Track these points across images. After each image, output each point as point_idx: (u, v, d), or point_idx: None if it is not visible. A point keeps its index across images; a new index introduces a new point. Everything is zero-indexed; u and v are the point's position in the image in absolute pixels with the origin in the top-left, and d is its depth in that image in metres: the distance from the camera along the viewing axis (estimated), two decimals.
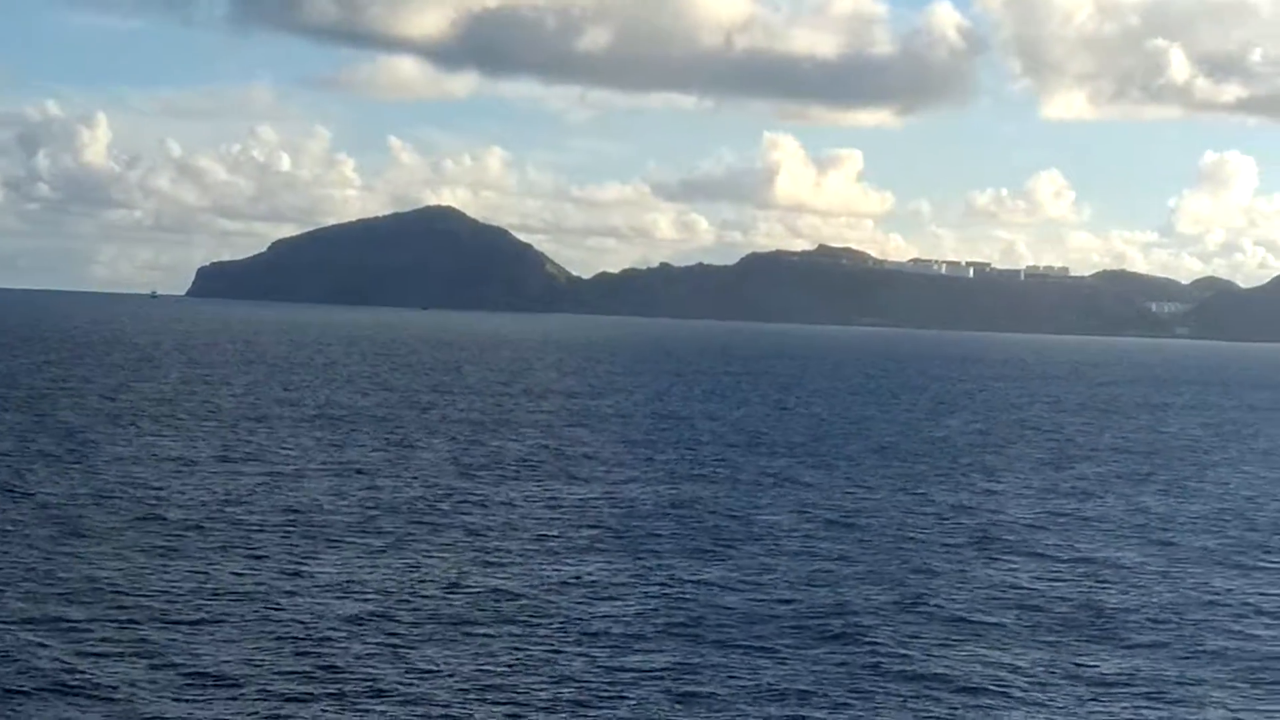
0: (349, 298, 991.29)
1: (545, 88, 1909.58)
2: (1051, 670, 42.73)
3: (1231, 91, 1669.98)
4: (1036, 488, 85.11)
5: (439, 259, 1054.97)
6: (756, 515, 69.35)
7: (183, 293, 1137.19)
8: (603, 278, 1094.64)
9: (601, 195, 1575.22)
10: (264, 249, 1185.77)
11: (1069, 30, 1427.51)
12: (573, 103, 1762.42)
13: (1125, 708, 39.40)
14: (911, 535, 65.30)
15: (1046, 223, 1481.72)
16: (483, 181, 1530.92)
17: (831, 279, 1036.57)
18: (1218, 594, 54.77)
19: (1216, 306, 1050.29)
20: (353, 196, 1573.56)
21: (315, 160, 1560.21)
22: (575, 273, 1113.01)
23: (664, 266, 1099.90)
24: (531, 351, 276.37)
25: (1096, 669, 43.04)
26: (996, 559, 60.32)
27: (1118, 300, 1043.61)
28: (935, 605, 50.39)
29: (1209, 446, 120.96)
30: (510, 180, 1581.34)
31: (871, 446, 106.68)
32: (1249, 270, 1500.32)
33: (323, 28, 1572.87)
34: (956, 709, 38.77)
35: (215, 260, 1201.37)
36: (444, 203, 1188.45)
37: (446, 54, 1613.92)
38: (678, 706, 37.99)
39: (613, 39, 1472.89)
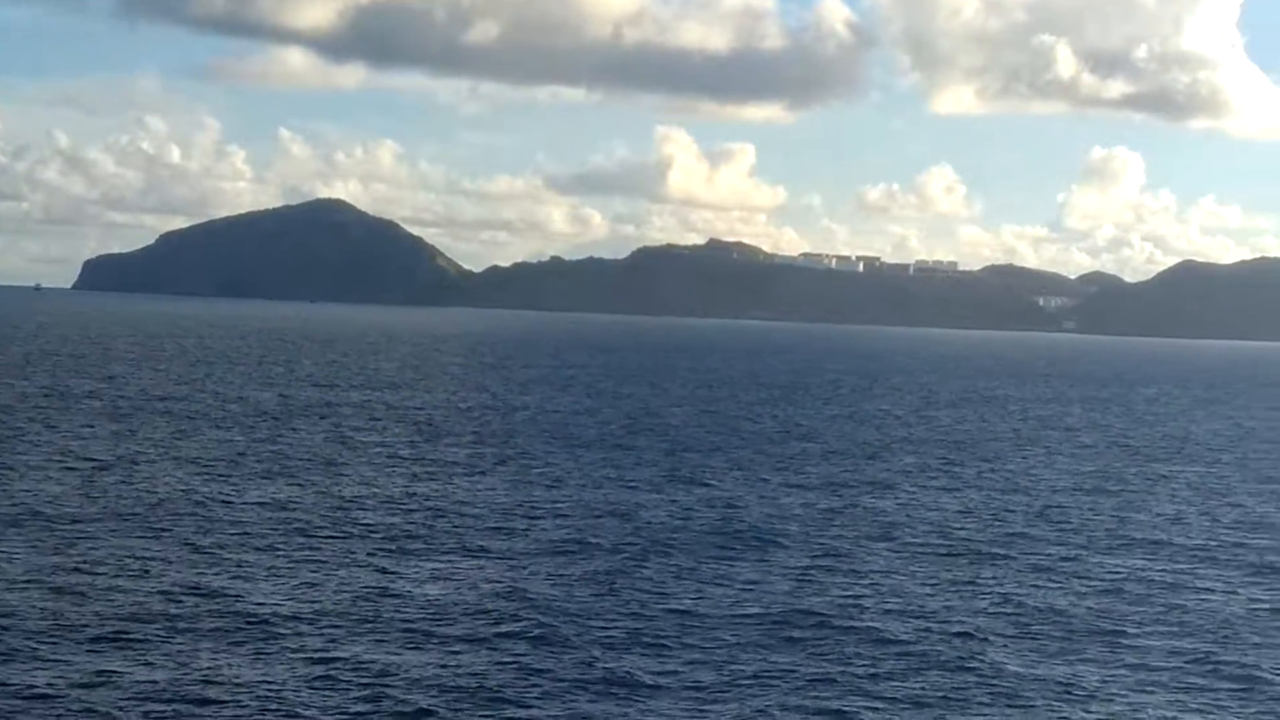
0: (239, 291, 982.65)
1: (434, 80, 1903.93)
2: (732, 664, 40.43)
3: (1117, 88, 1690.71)
4: (792, 483, 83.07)
5: (329, 252, 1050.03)
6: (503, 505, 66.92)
7: (69, 285, 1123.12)
8: (494, 271, 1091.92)
9: (493, 188, 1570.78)
10: (153, 241, 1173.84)
11: (957, 25, 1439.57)
12: (463, 96, 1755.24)
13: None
14: (652, 524, 63.01)
15: (937, 217, 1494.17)
16: (374, 174, 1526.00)
17: (723, 273, 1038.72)
18: (937, 582, 52.80)
19: (1103, 301, 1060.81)
20: (243, 189, 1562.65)
21: (205, 152, 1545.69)
22: (467, 266, 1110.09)
23: (555, 260, 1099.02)
24: (373, 344, 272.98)
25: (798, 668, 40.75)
26: (733, 552, 58.10)
27: (1006, 294, 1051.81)
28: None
29: (1029, 438, 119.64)
30: (402, 173, 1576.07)
31: (664, 438, 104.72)
32: (1137, 265, 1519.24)
33: (210, 19, 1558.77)
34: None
35: (104, 253, 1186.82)
36: (335, 195, 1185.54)
37: (334, 45, 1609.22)
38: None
39: (501, 31, 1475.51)
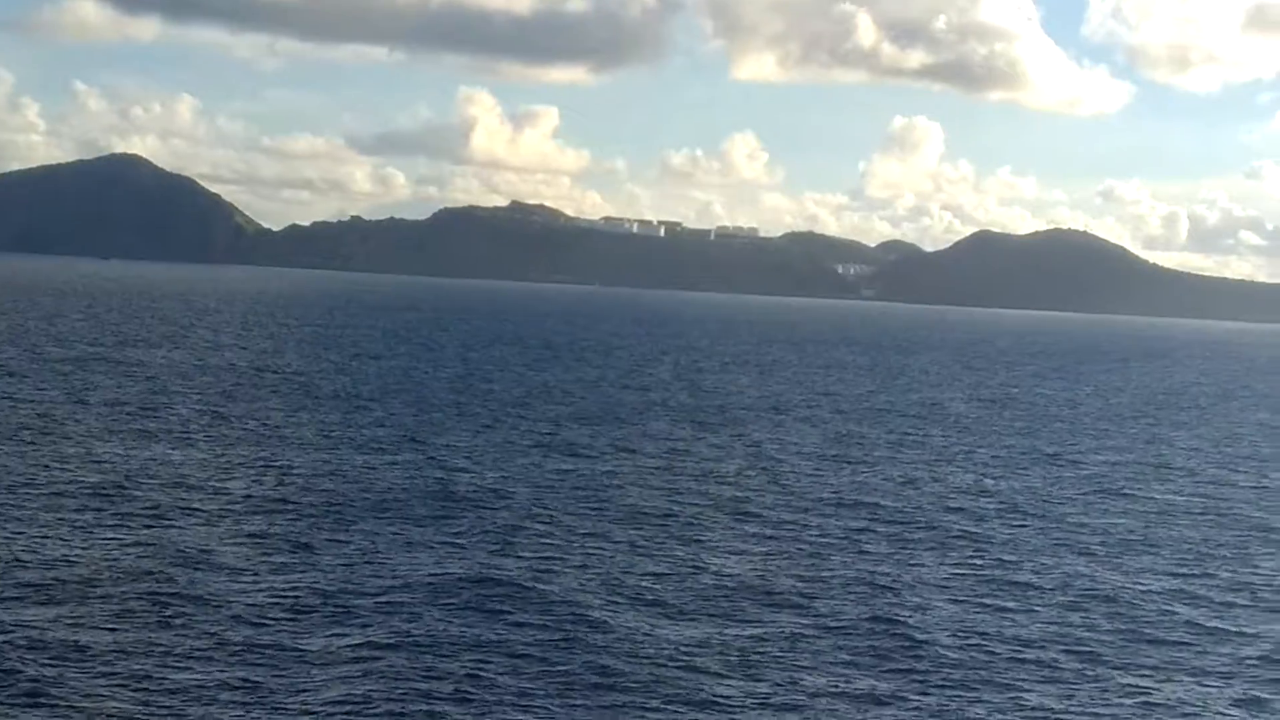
0: (31, 246, 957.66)
1: (233, 35, 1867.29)
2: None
3: (916, 58, 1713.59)
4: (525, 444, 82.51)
5: (124, 208, 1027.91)
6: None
7: None
8: (293, 230, 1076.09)
9: (295, 147, 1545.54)
10: None
11: None
12: (261, 51, 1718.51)
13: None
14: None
15: (741, 184, 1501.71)
16: (172, 130, 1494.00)
17: (524, 236, 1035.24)
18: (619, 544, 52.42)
19: (902, 269, 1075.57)
20: (36, 142, 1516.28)
21: None
22: (266, 225, 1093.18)
23: (356, 220, 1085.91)
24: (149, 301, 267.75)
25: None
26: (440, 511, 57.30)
27: (806, 261, 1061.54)
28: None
29: (782, 405, 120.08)
30: (200, 129, 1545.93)
31: (409, 392, 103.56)
32: (936, 234, 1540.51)
33: None
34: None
35: None
36: (133, 150, 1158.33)
37: None
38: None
39: None
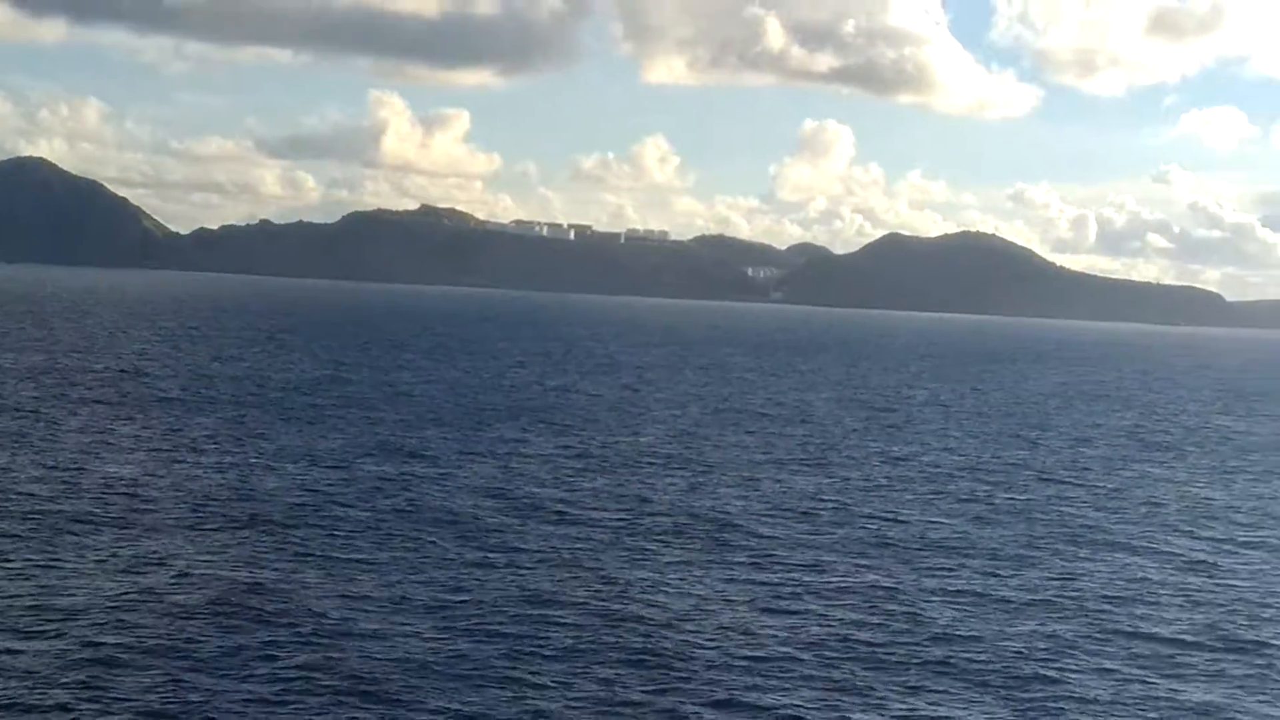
0: None
1: (139, 38, 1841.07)
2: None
3: (825, 61, 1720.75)
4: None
5: (29, 211, 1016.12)
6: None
7: None
8: (202, 234, 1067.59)
9: (203, 149, 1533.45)
10: None
11: None
12: (168, 54, 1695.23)
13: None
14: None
15: (652, 188, 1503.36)
16: (79, 133, 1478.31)
17: (434, 239, 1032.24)
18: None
19: (812, 272, 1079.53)
20: None
21: None
22: (174, 228, 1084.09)
23: (264, 223, 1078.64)
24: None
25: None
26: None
27: (716, 265, 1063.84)
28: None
29: (637, 406, 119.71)
30: (108, 132, 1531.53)
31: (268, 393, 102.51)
32: (848, 237, 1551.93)
33: None
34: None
35: None
36: (39, 154, 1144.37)
37: None
38: None
39: None
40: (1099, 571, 55.90)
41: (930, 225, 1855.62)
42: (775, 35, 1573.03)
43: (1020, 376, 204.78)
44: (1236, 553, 61.79)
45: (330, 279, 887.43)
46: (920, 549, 58.62)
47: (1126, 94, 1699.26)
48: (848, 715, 36.82)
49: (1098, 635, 45.84)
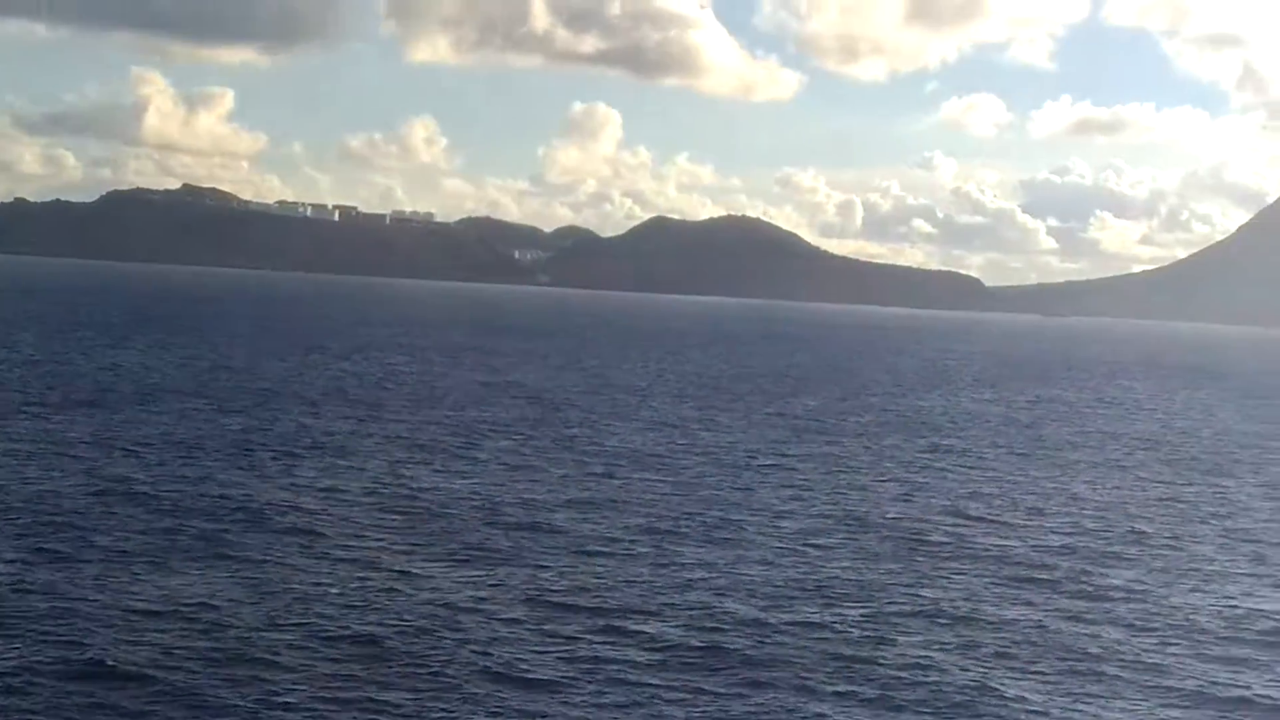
0: None
1: None
2: None
3: (591, 43, 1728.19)
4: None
5: None
6: None
7: None
8: None
9: None
10: None
11: None
12: None
13: None
14: None
15: (421, 168, 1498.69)
16: None
17: (195, 219, 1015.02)
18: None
19: (577, 254, 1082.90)
20: None
21: None
22: None
23: (19, 201, 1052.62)
24: None
25: None
26: None
27: (482, 247, 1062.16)
28: None
29: (331, 389, 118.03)
30: None
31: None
32: (618, 220, 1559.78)
33: None
34: None
35: None
36: None
37: None
38: None
39: None
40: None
41: (699, 208, 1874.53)
42: (541, 16, 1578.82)
43: (750, 354, 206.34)
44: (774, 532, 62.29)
45: (88, 259, 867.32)
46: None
47: (889, 80, 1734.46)
48: None
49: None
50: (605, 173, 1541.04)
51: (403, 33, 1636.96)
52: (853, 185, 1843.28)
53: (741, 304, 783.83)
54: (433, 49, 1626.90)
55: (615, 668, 39.11)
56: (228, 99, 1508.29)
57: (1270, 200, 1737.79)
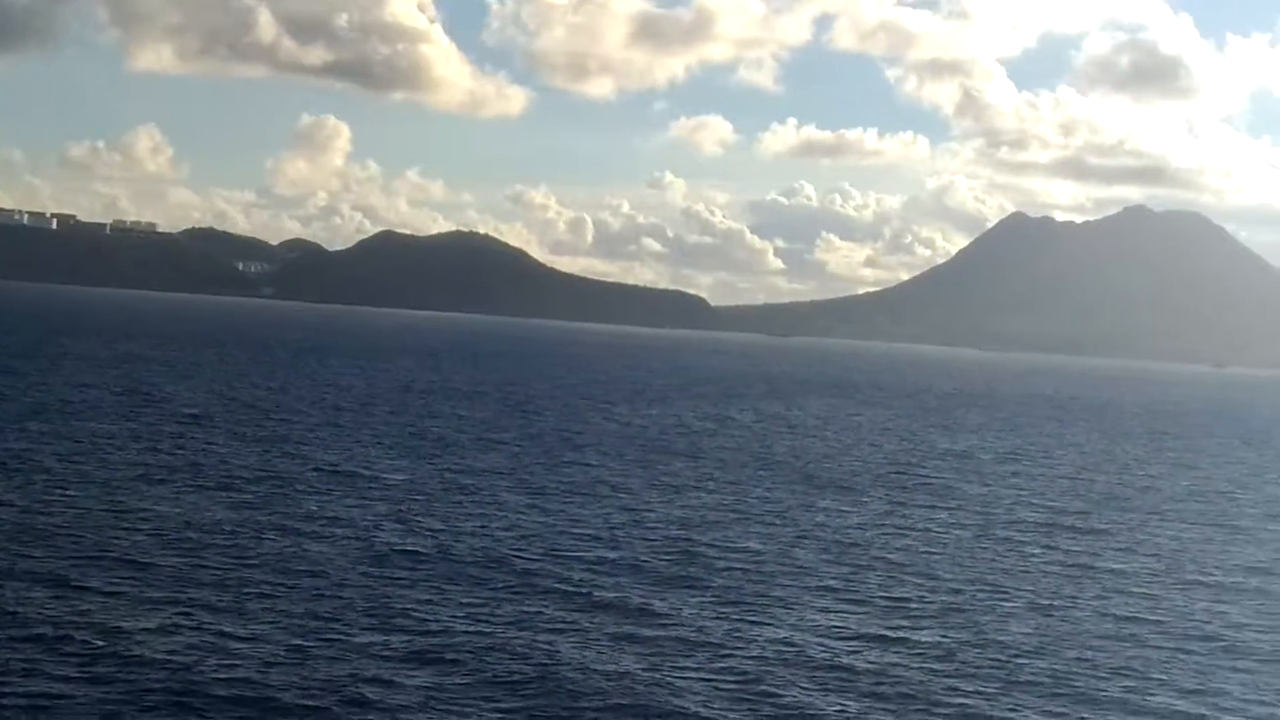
0: None
1: None
2: None
3: (318, 55, 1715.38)
4: None
5: None
6: None
7: None
8: None
9: None
10: None
11: None
12: None
13: None
14: None
15: (145, 178, 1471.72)
16: None
17: None
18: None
19: (302, 267, 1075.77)
20: None
21: None
22: None
23: None
24: None
25: None
26: None
27: (205, 259, 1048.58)
28: None
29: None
30: None
31: None
32: (348, 234, 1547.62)
33: None
34: None
35: None
36: None
37: None
38: None
39: None
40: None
41: (430, 223, 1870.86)
42: (266, 26, 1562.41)
43: (437, 369, 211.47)
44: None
45: None
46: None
47: (617, 98, 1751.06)
48: None
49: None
50: (335, 186, 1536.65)
51: (125, 40, 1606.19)
52: (584, 203, 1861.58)
53: (454, 318, 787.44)
54: (157, 57, 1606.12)
55: None
56: None
57: (990, 225, 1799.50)
